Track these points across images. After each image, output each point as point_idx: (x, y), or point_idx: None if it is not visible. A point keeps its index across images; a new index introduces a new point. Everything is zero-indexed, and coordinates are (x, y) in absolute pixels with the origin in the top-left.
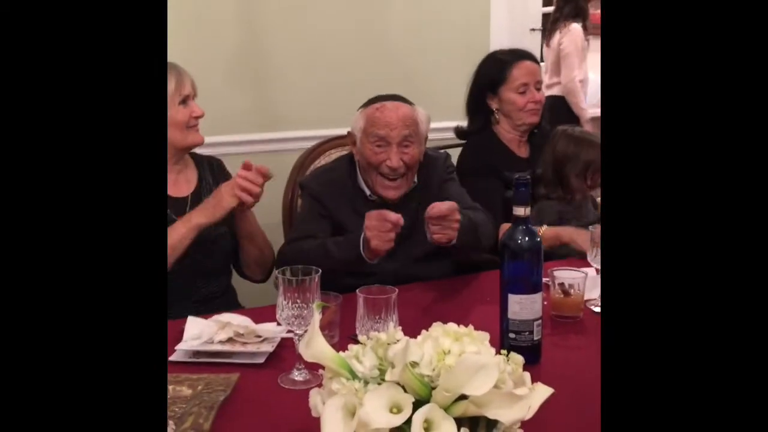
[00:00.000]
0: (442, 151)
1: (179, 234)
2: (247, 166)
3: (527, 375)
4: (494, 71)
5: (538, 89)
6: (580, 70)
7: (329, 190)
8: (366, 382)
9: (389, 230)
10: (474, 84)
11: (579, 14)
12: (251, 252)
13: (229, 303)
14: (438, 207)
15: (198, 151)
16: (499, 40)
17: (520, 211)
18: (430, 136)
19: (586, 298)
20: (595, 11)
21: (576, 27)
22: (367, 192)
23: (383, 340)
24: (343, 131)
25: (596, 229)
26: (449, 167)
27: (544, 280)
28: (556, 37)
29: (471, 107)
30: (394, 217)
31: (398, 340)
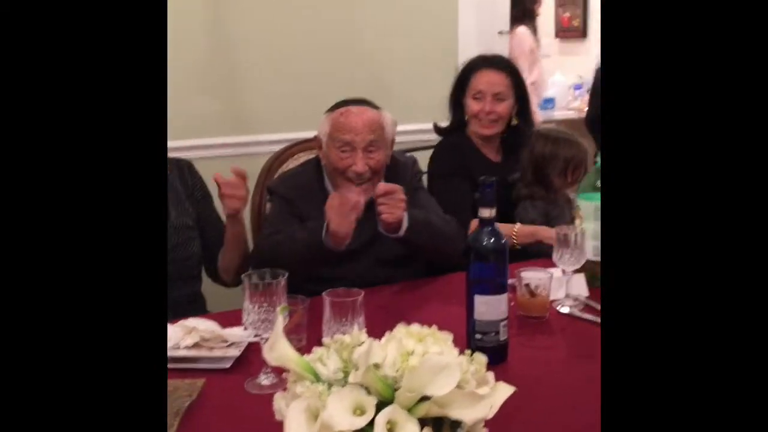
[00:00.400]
0: (409, 155)
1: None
2: (217, 179)
3: (491, 375)
4: (463, 73)
5: (500, 101)
6: (530, 73)
7: (298, 193)
8: (330, 385)
9: (349, 212)
10: (454, 82)
11: (526, 16)
12: (234, 258)
13: (198, 312)
14: (383, 184)
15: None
16: (468, 43)
17: (485, 212)
18: (399, 138)
19: (552, 298)
20: (563, 13)
21: (522, 30)
22: None
23: (347, 343)
24: (313, 134)
25: (562, 229)
26: (417, 173)
27: (511, 281)
28: None
29: (450, 105)
30: (354, 198)
31: (362, 342)
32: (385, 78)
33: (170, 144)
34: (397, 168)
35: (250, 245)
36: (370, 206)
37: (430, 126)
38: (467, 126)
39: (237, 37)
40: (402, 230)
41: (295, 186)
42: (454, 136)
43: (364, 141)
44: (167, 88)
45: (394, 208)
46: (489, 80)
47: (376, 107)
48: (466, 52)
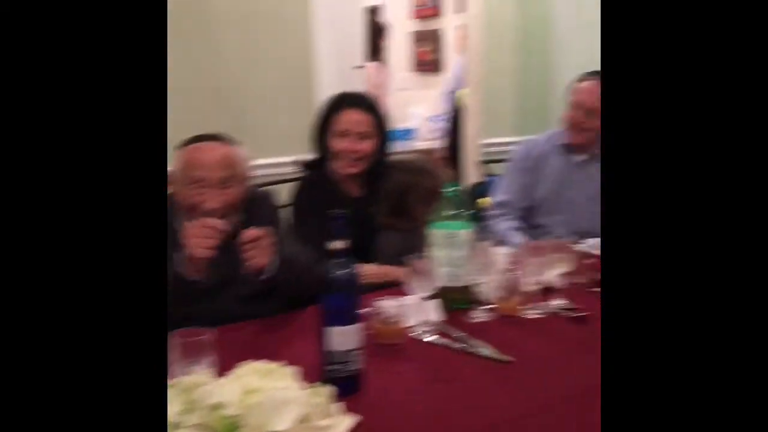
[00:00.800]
0: (265, 189)
1: None
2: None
3: (338, 406)
4: (326, 111)
5: (364, 139)
6: None
7: None
8: (176, 428)
9: (209, 236)
10: (317, 119)
11: (374, 52)
12: None
13: None
14: (250, 231)
15: None
16: (324, 78)
17: (336, 244)
18: (256, 172)
19: (407, 325)
20: (419, 48)
21: (370, 65)
22: None
23: (189, 384)
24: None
25: (413, 257)
26: (273, 208)
27: (367, 309)
28: None
29: (313, 141)
30: (216, 221)
31: (205, 383)
32: (242, 112)
33: None
34: (254, 202)
35: None
36: (227, 243)
37: (287, 159)
38: (329, 162)
39: None
40: (267, 272)
41: None
42: (315, 172)
43: (217, 177)
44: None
45: (262, 254)
46: (352, 120)
47: (229, 141)
48: (323, 86)
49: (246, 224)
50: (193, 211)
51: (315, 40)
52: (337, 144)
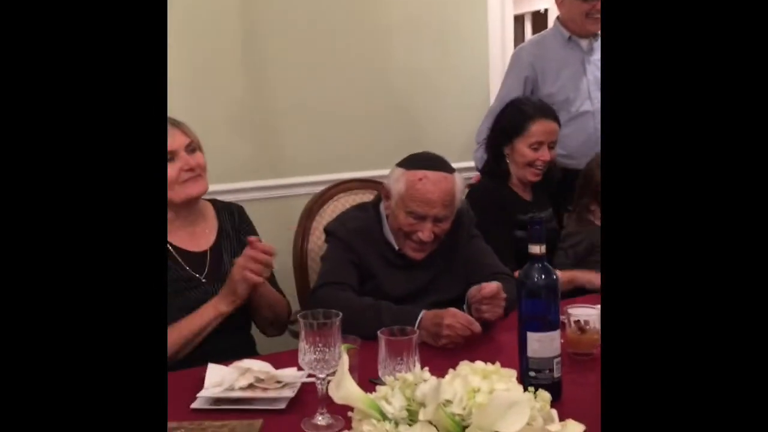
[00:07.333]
0: (463, 200)
1: (204, 321)
2: (253, 245)
3: (554, 412)
4: (515, 121)
5: (551, 148)
6: None
7: (358, 237)
8: (396, 423)
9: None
10: (493, 128)
11: None
12: (266, 315)
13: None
14: (488, 287)
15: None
16: (498, 87)
17: (535, 249)
18: None
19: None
20: None
21: None
22: (395, 245)
23: (410, 381)
24: (348, 175)
25: None
26: (472, 219)
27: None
28: None
29: (489, 149)
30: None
31: (425, 380)
32: (420, 121)
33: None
34: (460, 218)
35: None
36: (429, 260)
37: (464, 165)
38: (511, 168)
39: (270, 81)
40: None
41: (356, 230)
42: (495, 180)
43: (436, 214)
44: (208, 132)
45: (496, 307)
46: (548, 129)
47: (449, 169)
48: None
49: (447, 242)
50: (404, 234)
51: (491, 48)
52: (530, 154)
